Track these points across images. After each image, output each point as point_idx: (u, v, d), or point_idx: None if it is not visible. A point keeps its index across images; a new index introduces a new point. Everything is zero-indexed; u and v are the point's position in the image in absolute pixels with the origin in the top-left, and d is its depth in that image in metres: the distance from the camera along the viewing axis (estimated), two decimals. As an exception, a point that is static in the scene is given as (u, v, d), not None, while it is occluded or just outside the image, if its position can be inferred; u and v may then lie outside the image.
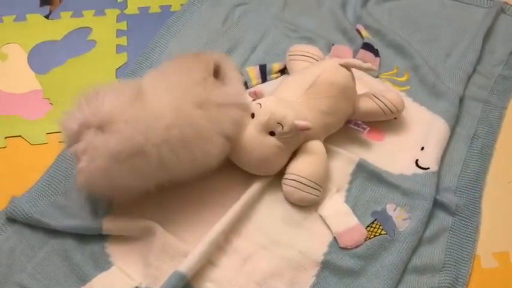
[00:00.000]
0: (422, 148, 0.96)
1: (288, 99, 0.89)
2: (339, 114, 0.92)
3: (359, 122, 0.95)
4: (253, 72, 1.07)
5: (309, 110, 0.89)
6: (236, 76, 0.87)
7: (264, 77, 1.06)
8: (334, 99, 0.91)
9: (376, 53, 1.10)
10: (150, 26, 1.16)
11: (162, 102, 0.78)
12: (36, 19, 1.16)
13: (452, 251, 0.85)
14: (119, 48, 1.12)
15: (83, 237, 0.84)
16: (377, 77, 1.08)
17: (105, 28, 1.15)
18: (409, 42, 1.13)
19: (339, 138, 0.95)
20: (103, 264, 0.81)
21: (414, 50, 1.11)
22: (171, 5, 1.20)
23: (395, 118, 0.99)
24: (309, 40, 1.13)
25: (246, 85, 1.03)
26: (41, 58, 1.10)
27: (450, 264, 0.84)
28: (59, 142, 0.96)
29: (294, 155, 0.90)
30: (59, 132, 0.96)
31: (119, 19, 1.17)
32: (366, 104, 0.96)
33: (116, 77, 1.07)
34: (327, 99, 0.90)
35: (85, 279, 0.80)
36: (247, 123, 0.86)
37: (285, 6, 1.21)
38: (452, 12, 1.22)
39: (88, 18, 1.17)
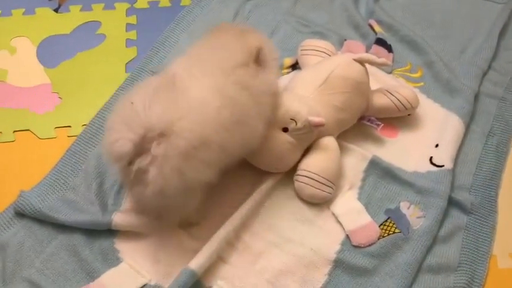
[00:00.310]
0: (437, 145, 0.94)
1: (301, 95, 0.88)
2: (352, 110, 0.91)
3: (373, 118, 0.93)
4: (264, 67, 1.05)
5: (322, 105, 0.88)
6: (273, 62, 0.85)
7: (275, 72, 1.05)
8: (347, 95, 0.89)
9: (389, 48, 1.09)
10: (160, 20, 1.14)
11: (203, 88, 0.75)
12: (45, 13, 1.15)
13: (468, 250, 0.83)
14: (129, 43, 1.11)
15: (92, 232, 0.82)
16: (390, 73, 1.06)
17: (114, 22, 1.14)
18: (423, 38, 1.11)
19: (352, 134, 0.94)
20: (112, 260, 0.80)
21: (428, 45, 1.10)
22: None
23: (409, 114, 0.98)
24: (321, 35, 1.12)
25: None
26: (50, 52, 1.09)
27: (466, 264, 0.82)
28: (68, 136, 0.96)
29: (306, 151, 0.88)
30: (68, 126, 0.97)
31: (128, 13, 1.16)
32: (380, 100, 0.94)
33: (126, 71, 1.05)
34: (340, 95, 0.89)
35: (94, 275, 0.78)
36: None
37: (296, 1, 1.20)
38: (467, 8, 1.20)
39: (97, 12, 1.16)
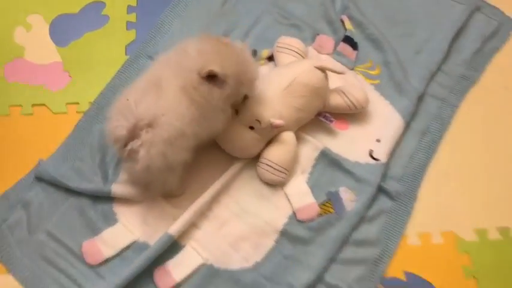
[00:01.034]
0: (378, 140, 1.14)
1: (267, 98, 1.06)
2: (310, 110, 1.10)
3: (327, 114, 1.12)
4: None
5: (284, 106, 1.07)
6: (242, 86, 0.98)
7: (253, 63, 1.22)
8: (307, 98, 1.08)
9: (354, 46, 1.24)
10: (158, 4, 1.28)
11: (176, 90, 0.94)
12: (56, -11, 1.30)
13: (386, 229, 1.07)
14: (129, 25, 1.26)
15: (96, 197, 1.06)
16: (352, 69, 1.23)
17: (117, 3, 1.28)
18: (386, 37, 1.26)
19: (309, 126, 1.13)
20: (111, 220, 1.04)
21: (389, 45, 1.25)
22: (176, -17, 1.33)
23: (359, 111, 1.17)
24: (297, 28, 1.27)
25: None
26: (61, 31, 1.24)
27: (382, 240, 1.06)
28: (76, 112, 1.16)
29: (269, 142, 1.08)
30: (77, 103, 1.17)
31: (129, -6, 1.31)
32: (335, 100, 1.13)
33: (126, 53, 1.22)
34: (300, 98, 1.07)
35: (96, 231, 1.03)
36: (235, 118, 1.04)
37: (280, -10, 1.33)
38: (432, 7, 1.32)
39: None
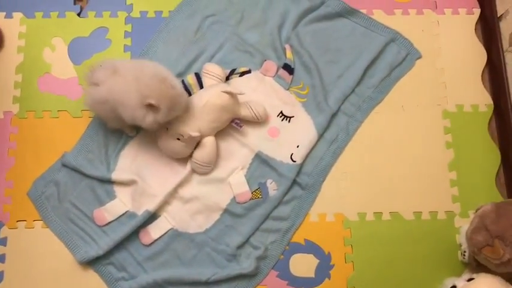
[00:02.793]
0: (298, 146, 1.62)
1: (189, 114, 1.49)
2: (221, 121, 1.52)
3: (238, 121, 1.56)
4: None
5: (202, 121, 1.50)
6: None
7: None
8: (216, 113, 1.50)
9: (291, 72, 1.67)
10: (148, 30, 1.70)
11: (129, 75, 1.43)
12: (71, 16, 1.72)
13: (296, 210, 1.58)
14: (126, 48, 1.70)
15: (102, 180, 1.58)
16: (287, 89, 1.67)
17: (117, 29, 1.70)
18: (317, 63, 1.68)
19: (249, 136, 1.60)
20: (111, 196, 1.57)
21: (317, 71, 1.67)
22: (162, 11, 1.73)
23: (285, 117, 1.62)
24: (250, 54, 1.69)
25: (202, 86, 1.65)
26: (76, 51, 1.68)
27: (292, 217, 1.57)
28: (89, 117, 1.65)
29: (198, 145, 1.54)
30: (88, 110, 1.66)
31: (126, 21, 1.72)
32: (244, 112, 1.56)
33: (123, 72, 1.68)
34: (212, 114, 1.50)
35: (102, 203, 1.56)
36: (166, 133, 1.51)
37: (240, 21, 1.73)
38: (358, 38, 1.72)
39: (106, 18, 1.72)
